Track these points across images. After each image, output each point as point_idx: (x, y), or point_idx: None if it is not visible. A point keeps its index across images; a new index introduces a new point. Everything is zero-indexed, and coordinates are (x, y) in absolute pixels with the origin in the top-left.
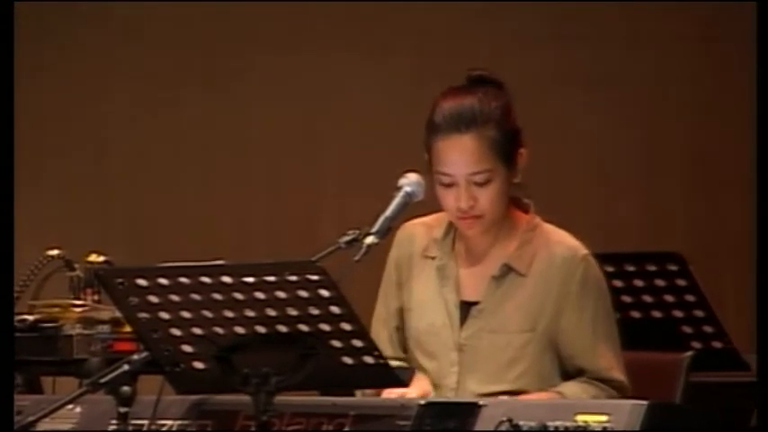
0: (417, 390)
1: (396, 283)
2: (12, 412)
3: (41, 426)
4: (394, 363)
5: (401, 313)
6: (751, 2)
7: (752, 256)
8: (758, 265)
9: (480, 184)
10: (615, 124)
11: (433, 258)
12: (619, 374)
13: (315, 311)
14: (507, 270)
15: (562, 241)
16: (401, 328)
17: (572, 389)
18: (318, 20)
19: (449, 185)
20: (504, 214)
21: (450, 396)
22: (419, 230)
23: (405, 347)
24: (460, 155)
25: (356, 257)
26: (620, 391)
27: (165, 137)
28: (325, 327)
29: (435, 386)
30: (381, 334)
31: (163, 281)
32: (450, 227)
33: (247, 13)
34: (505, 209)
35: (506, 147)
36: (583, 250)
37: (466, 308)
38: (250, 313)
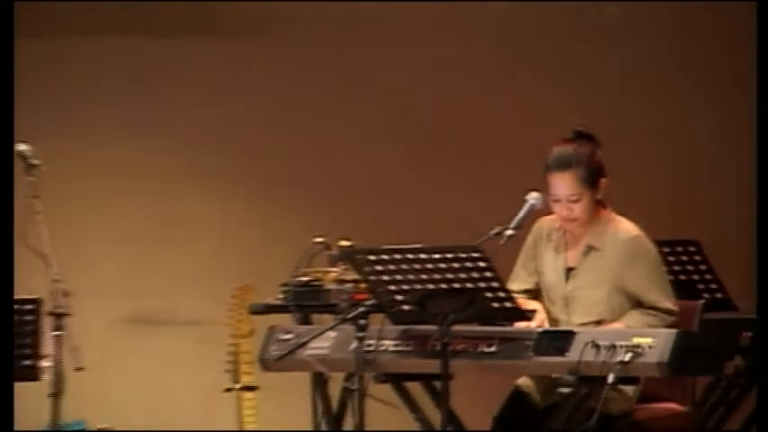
0: (537, 321)
1: (532, 253)
2: (11, 412)
3: (311, 343)
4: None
5: (535, 272)
6: (752, 1)
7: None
8: (758, 267)
9: (574, 202)
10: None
11: (552, 241)
12: (666, 303)
13: (476, 275)
14: (590, 249)
15: (624, 228)
16: (532, 275)
17: (634, 317)
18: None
19: (556, 201)
20: (591, 214)
21: (564, 326)
22: (546, 223)
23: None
24: (562, 185)
25: (501, 242)
26: (669, 314)
27: (383, 139)
28: (482, 284)
29: (554, 320)
30: (519, 276)
31: (384, 256)
32: (563, 222)
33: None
34: (592, 212)
35: (591, 179)
36: (635, 232)
37: (568, 272)
38: (436, 276)
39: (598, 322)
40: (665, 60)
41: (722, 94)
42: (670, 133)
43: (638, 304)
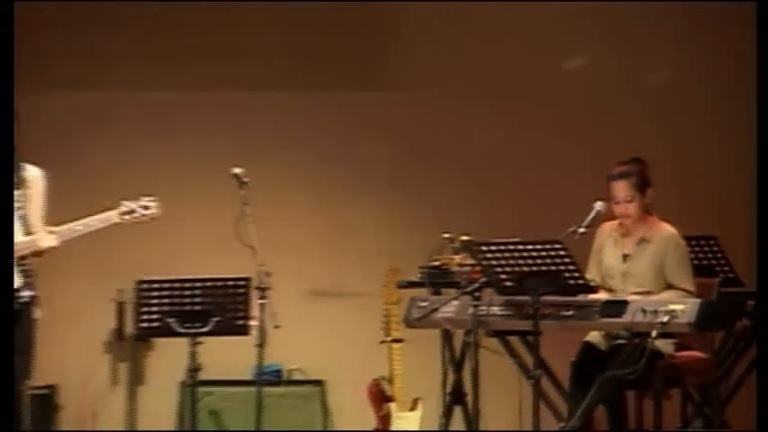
0: (602, 294)
1: (598, 249)
2: (12, 412)
3: (441, 309)
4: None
5: (600, 261)
6: (752, 2)
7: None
8: (758, 254)
9: (629, 202)
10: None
11: (612, 237)
12: (689, 286)
13: (558, 260)
14: (642, 240)
15: (666, 228)
16: (599, 267)
17: (669, 293)
18: None
19: (616, 203)
20: (641, 215)
21: (620, 294)
22: (607, 227)
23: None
24: (620, 190)
25: (576, 237)
26: (689, 293)
27: (490, 161)
28: (562, 267)
29: (613, 291)
30: (592, 269)
31: (493, 247)
32: (620, 223)
33: None
34: (642, 213)
35: (641, 186)
36: (674, 231)
37: (624, 257)
38: (530, 261)
39: (647, 292)
40: (674, 73)
41: (730, 107)
42: (685, 151)
43: (669, 285)
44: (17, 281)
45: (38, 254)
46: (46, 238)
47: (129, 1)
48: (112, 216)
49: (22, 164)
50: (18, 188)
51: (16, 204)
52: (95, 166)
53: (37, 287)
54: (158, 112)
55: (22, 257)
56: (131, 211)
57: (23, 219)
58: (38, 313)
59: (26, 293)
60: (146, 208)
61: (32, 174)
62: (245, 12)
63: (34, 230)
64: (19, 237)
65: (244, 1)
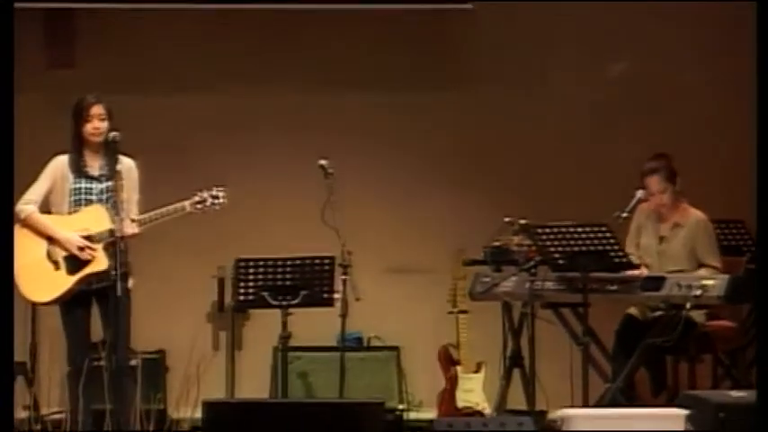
0: (643, 271)
1: (636, 228)
2: (12, 412)
3: (502, 284)
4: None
5: (639, 240)
6: (751, 1)
7: None
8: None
9: (662, 193)
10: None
11: (649, 219)
12: (717, 263)
13: (604, 241)
14: (675, 225)
15: (696, 213)
16: (637, 245)
17: (700, 271)
18: None
19: (652, 195)
20: (673, 202)
21: (656, 271)
22: (644, 209)
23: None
24: (654, 184)
25: (620, 221)
26: (717, 270)
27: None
28: (608, 246)
29: (650, 268)
30: (630, 247)
31: (547, 230)
32: (656, 207)
33: None
34: (674, 201)
35: (671, 178)
36: (703, 216)
37: (660, 239)
38: (579, 241)
39: (680, 271)
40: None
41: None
42: (719, 144)
43: (700, 262)
44: (106, 262)
45: (123, 239)
46: (129, 226)
47: (224, 10)
48: (186, 205)
49: (118, 156)
50: (110, 180)
51: (107, 195)
52: (205, 161)
53: (128, 265)
54: (258, 113)
55: (111, 243)
56: (203, 201)
57: (114, 207)
58: (129, 283)
59: (114, 273)
60: (215, 197)
61: (125, 165)
62: (328, 21)
63: (122, 218)
64: (107, 225)
65: (327, 11)
